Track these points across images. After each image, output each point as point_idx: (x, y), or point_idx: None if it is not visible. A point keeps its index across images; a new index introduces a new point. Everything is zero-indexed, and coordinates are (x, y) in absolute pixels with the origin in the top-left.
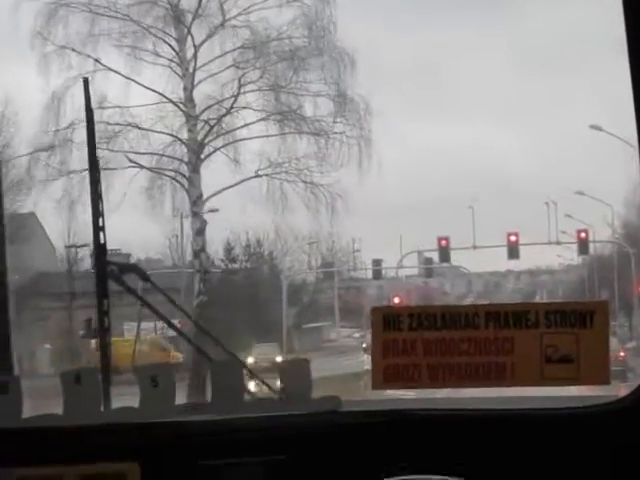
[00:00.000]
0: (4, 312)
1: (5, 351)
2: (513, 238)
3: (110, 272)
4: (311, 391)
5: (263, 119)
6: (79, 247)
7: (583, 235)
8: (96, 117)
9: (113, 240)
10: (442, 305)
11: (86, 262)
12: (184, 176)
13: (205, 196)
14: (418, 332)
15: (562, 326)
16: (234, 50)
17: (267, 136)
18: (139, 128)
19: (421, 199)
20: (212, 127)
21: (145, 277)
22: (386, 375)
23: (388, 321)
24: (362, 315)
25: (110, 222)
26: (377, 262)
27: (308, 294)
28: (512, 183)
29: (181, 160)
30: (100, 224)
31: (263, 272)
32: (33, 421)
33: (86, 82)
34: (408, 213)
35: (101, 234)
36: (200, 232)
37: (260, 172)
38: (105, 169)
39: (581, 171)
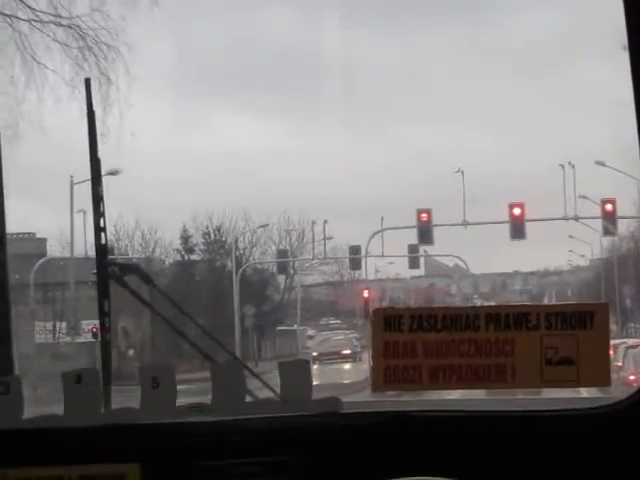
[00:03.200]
0: (5, 313)
1: (6, 351)
2: (517, 211)
3: (111, 273)
4: (311, 392)
5: None
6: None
7: (609, 207)
8: None
9: (28, 224)
10: (443, 307)
11: None
12: None
13: None
14: (419, 333)
15: (562, 328)
16: None
17: None
18: None
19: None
20: None
21: (146, 278)
22: (386, 376)
23: (389, 322)
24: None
25: (22, 205)
26: (354, 250)
27: (274, 290)
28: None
29: None
30: (101, 225)
31: (212, 263)
32: (34, 421)
33: (88, 83)
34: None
35: (102, 235)
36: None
37: None
38: None
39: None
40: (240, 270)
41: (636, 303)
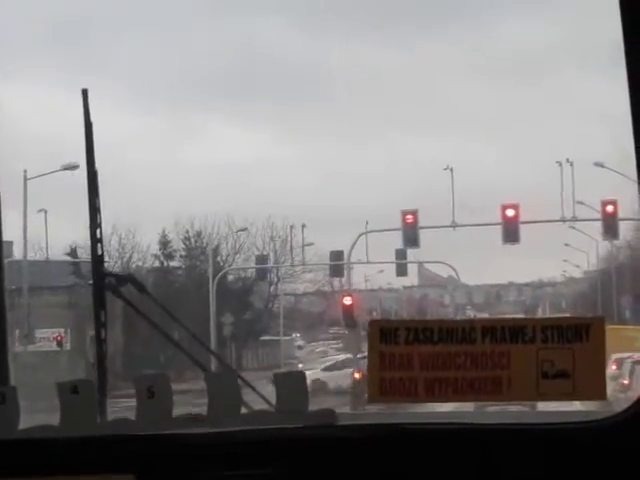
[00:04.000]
0: (0, 324)
1: (1, 362)
2: (511, 212)
3: (108, 284)
4: (307, 404)
5: None
6: None
7: (610, 209)
8: None
9: None
10: (439, 319)
11: None
12: None
13: None
14: (415, 346)
15: (558, 341)
16: None
17: None
18: None
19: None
20: None
21: (141, 288)
22: (382, 388)
23: (385, 334)
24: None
25: None
26: (336, 255)
27: (257, 298)
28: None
29: None
30: (97, 235)
31: (190, 270)
32: (29, 432)
33: (85, 94)
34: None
35: (98, 245)
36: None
37: None
38: None
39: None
40: (217, 276)
41: (635, 315)
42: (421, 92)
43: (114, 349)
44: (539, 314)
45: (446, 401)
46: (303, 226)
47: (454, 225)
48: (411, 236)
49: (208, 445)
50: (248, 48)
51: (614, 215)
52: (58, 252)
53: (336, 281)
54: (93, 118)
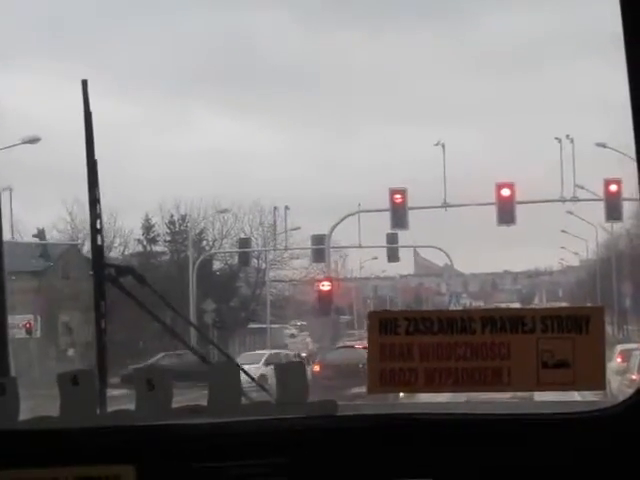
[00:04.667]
0: (0, 314)
1: (1, 352)
2: (506, 192)
3: (108, 275)
4: (307, 395)
5: None
6: None
7: (614, 188)
8: None
9: None
10: (439, 310)
11: None
12: None
13: None
14: (415, 336)
15: (558, 331)
16: None
17: None
18: None
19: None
20: None
21: (141, 280)
22: (382, 379)
23: (385, 325)
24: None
25: None
26: (318, 239)
27: (244, 285)
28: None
29: None
30: (98, 226)
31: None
32: (29, 423)
33: (85, 84)
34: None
35: (98, 236)
36: None
37: None
38: None
39: None
40: (197, 262)
41: (636, 303)
42: (413, 83)
43: (88, 335)
44: (536, 303)
45: (446, 391)
46: (286, 208)
47: (445, 205)
48: (400, 217)
49: (208, 436)
50: (235, 38)
51: (618, 195)
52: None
53: (331, 270)
54: (75, 104)
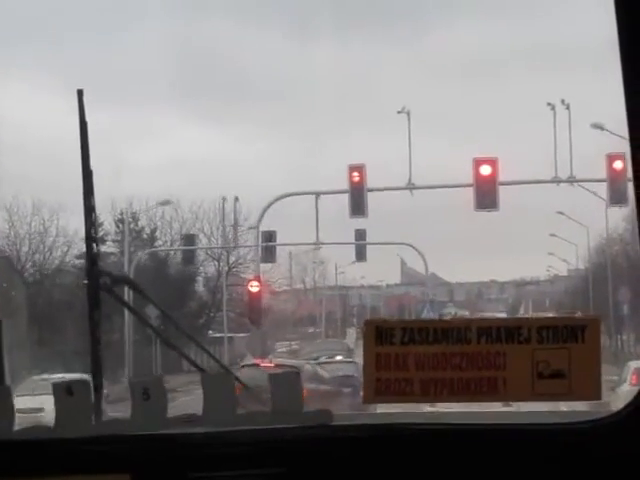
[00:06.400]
0: None
1: None
2: (486, 170)
3: (102, 284)
4: (302, 404)
5: None
6: None
7: (619, 165)
8: None
9: None
10: (434, 319)
11: None
12: None
13: None
14: (410, 346)
15: (554, 341)
16: None
17: None
18: None
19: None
20: None
21: (136, 288)
22: (378, 388)
23: (380, 334)
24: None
25: None
26: (268, 236)
27: (202, 289)
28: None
29: None
30: (92, 234)
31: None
32: (24, 433)
33: (80, 94)
34: None
35: (94, 245)
36: None
37: None
38: None
39: None
40: (134, 261)
41: (634, 310)
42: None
43: (12, 339)
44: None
45: (441, 401)
46: (236, 199)
47: (411, 187)
48: (358, 200)
49: (203, 445)
50: (198, 45)
51: (622, 174)
52: None
53: (308, 277)
54: (46, 108)
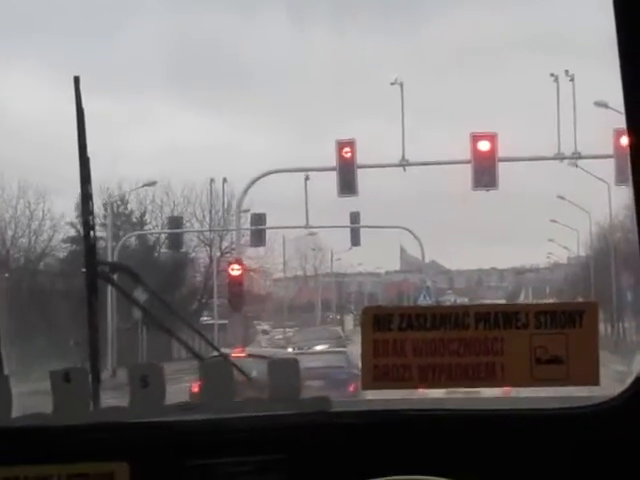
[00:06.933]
0: None
1: None
2: (485, 146)
3: (101, 272)
4: (301, 391)
5: None
6: None
7: (626, 141)
8: None
9: None
10: (432, 305)
11: None
12: None
13: None
14: (408, 332)
15: (552, 327)
16: None
17: None
18: None
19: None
20: None
21: (135, 277)
22: (376, 375)
23: (378, 321)
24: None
25: None
26: (257, 219)
27: (193, 274)
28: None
29: None
30: (90, 223)
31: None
32: (22, 420)
33: (77, 81)
34: None
35: (91, 233)
36: None
37: None
38: None
39: None
40: (119, 244)
41: (636, 300)
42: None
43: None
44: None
45: (440, 387)
46: (224, 180)
47: (404, 164)
48: (347, 177)
49: (202, 433)
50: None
51: None
52: None
53: (309, 264)
54: (37, 95)
